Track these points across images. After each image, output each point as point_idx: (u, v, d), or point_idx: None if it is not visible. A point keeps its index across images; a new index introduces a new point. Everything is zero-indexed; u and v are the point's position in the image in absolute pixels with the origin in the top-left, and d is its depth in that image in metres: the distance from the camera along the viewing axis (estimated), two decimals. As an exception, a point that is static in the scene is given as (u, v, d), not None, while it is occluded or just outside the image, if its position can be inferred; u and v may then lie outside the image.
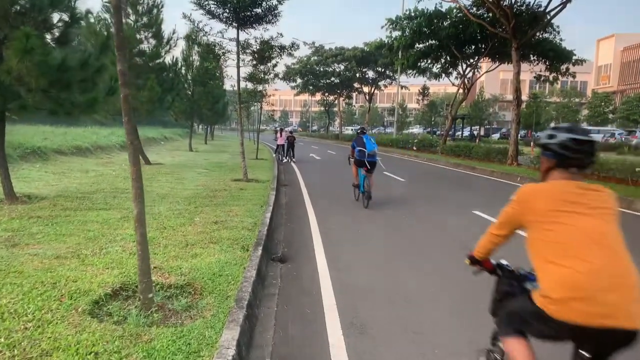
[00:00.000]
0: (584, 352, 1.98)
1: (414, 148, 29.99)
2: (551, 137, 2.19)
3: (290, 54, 13.68)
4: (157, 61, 16.19)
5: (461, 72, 29.38)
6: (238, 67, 12.78)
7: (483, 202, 11.11)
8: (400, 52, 27.08)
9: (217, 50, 12.47)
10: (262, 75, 15.02)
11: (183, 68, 25.81)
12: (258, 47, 12.94)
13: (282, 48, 13.40)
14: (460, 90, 28.21)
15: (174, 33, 16.20)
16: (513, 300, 2.36)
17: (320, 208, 10.00)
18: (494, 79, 63.60)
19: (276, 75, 21.84)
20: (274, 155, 24.63)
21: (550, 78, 24.42)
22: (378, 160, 10.41)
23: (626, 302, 1.82)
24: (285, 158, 23.58)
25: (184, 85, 25.26)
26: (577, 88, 59.23)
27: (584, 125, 53.31)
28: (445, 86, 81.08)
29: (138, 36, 15.51)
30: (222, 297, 4.30)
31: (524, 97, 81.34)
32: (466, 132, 50.78)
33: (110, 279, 4.60)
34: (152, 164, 17.16)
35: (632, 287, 1.85)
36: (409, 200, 11.47)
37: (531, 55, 25.28)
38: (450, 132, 32.61)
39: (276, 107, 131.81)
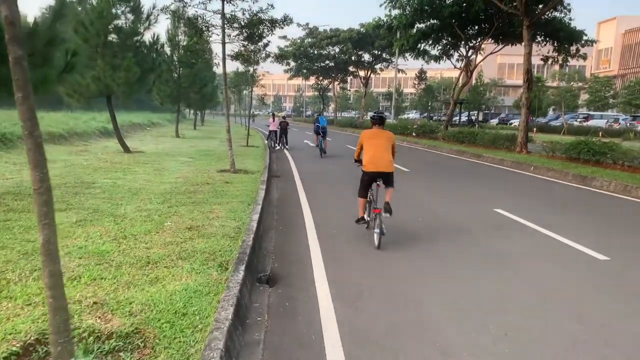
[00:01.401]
0: (377, 182, 6.37)
1: (414, 134, 28.63)
2: (371, 116, 6.73)
3: (281, 28, 12.22)
4: (136, 39, 14.61)
5: (463, 54, 27.95)
6: (223, 43, 11.32)
7: (503, 198, 9.80)
8: (399, 32, 25.54)
9: (199, 24, 10.97)
10: (252, 56, 13.53)
11: (168, 48, 24.22)
12: (246, 21, 11.45)
13: (273, 22, 11.93)
14: (462, 74, 26.74)
15: (154, 8, 14.61)
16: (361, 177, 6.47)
17: (317, 206, 8.65)
18: (491, 63, 62.04)
19: (268, 55, 20.41)
20: (266, 142, 23.20)
21: (560, 60, 22.99)
22: (327, 131, 18.90)
23: (383, 164, 6.18)
24: (278, 145, 22.16)
25: (168, 66, 23.65)
26: (575, 72, 57.93)
27: (585, 110, 52.13)
28: (441, 71, 79.60)
29: (114, 11, 13.93)
30: (181, 356, 2.97)
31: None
32: (464, 117, 49.38)
33: (25, 325, 3.26)
34: (132, 152, 15.70)
35: (385, 159, 6.18)
36: (419, 196, 10.15)
37: (538, 36, 23.87)
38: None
39: (269, 91, 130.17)
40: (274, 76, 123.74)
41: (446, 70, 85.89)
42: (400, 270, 5.27)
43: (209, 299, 3.87)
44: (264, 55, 20.08)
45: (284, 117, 22.69)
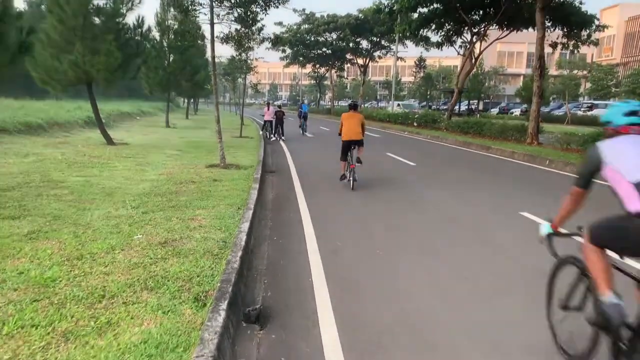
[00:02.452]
0: (353, 147, 9.29)
1: (415, 124, 27.53)
2: (348, 104, 10.38)
3: (276, 7, 11.05)
4: (118, 20, 13.38)
5: (466, 40, 26.76)
6: (212, 23, 10.15)
7: (526, 198, 8.75)
8: (400, 16, 24.32)
9: (184, 2, 9.79)
10: (245, 39, 12.38)
11: (157, 33, 22.93)
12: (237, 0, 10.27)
13: (268, 0, 10.76)
14: (467, 61, 25.55)
15: (138, -13, 13.34)
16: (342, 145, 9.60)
17: (317, 209, 7.58)
18: (490, 51, 60.67)
19: (263, 39, 19.21)
20: (261, 132, 22.07)
21: (570, 46, 21.85)
22: (308, 116, 24.39)
23: (355, 134, 9.27)
24: (274, 136, 21.04)
25: (157, 52, 22.38)
26: (570, 60, 56.60)
27: (587, 99, 51.04)
28: (439, 58, 78.23)
29: (93, -11, 12.69)
30: None
31: (525, 69, 78.63)
32: (463, 107, 48.21)
33: None
34: (116, 144, 14.55)
35: (356, 131, 9.29)
36: (432, 197, 9.08)
37: (547, 21, 22.72)
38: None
39: (264, 79, 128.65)
40: (269, 64, 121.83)
41: (445, 58, 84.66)
42: (416, 282, 4.22)
43: (175, 357, 2.81)
44: (258, 39, 19.02)
45: (279, 107, 21.52)
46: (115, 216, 5.98)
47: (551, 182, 10.79)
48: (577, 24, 21.02)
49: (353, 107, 9.85)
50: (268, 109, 20.98)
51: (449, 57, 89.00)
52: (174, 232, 5.34)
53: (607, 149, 2.69)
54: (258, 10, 11.01)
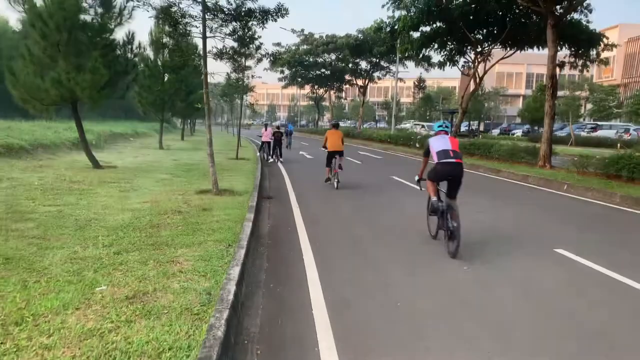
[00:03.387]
0: (335, 157, 11.94)
1: (417, 145, 26.67)
2: (331, 123, 14.58)
3: (275, 21, 10.22)
4: (105, 36, 12.57)
5: (469, 59, 26.16)
6: (204, 37, 9.31)
7: (556, 230, 7.80)
8: (401, 35, 23.68)
9: (174, 13, 8.96)
10: (239, 54, 11.57)
11: (151, 52, 22.23)
12: (231, 12, 9.44)
13: (264, 13, 9.94)
14: (471, 81, 24.83)
15: (128, 1, 12.56)
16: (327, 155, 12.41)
17: (322, 243, 6.60)
18: (489, 72, 60.48)
19: (261, 57, 18.48)
20: (258, 154, 21.17)
21: (579, 65, 21.17)
22: (293, 133, 31.38)
23: (337, 146, 12.03)
24: (271, 157, 20.14)
25: (152, 71, 21.61)
26: (574, 80, 56.22)
27: (588, 120, 50.42)
28: (438, 80, 78.05)
29: (78, 2, 11.89)
30: None
31: (524, 90, 78.45)
32: (463, 127, 47.53)
33: None
34: (104, 167, 13.60)
35: (338, 144, 12.04)
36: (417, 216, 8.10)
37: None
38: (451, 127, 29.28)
39: (262, 100, 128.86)
40: (267, 85, 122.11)
41: (444, 79, 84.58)
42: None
43: None
44: (255, 57, 18.26)
45: (277, 127, 20.67)
46: (81, 258, 4.99)
47: (577, 211, 9.82)
48: (585, 43, 20.35)
49: (335, 126, 12.95)
50: (266, 130, 20.13)
51: (447, 78, 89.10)
52: (148, 281, 4.34)
53: (431, 140, 6.50)
54: (255, 23, 10.20)
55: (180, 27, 8.98)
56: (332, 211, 9.22)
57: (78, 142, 18.54)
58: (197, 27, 9.33)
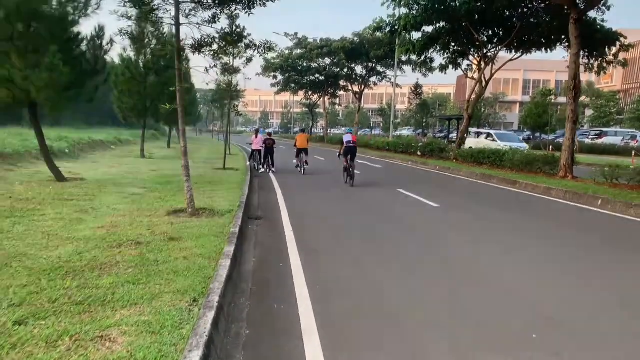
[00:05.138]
0: (302, 153, 17.16)
1: (419, 153, 25.09)
2: (299, 129, 24.06)
3: (264, 5, 8.57)
4: (67, 29, 10.81)
5: (472, 62, 24.64)
6: (177, 23, 7.62)
7: (615, 264, 6.15)
8: (400, 36, 22.14)
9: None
10: (224, 48, 9.91)
11: (132, 52, 20.50)
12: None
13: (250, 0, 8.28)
14: (477, 85, 23.26)
15: (94, -12, 10.81)
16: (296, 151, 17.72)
17: (326, 289, 4.89)
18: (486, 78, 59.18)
19: (251, 57, 16.87)
20: (248, 163, 19.45)
21: (595, 67, 19.66)
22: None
23: (303, 145, 17.31)
24: (262, 167, 18.42)
25: (132, 73, 19.86)
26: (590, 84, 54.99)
27: (588, 127, 49.13)
28: (434, 86, 76.80)
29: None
30: None
31: (521, 97, 77.30)
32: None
33: None
34: (69, 179, 11.82)
35: (304, 143, 17.40)
36: (476, 257, 6.45)
37: (561, 40, 20.69)
38: (445, 135, 27.72)
39: (255, 107, 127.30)
40: (260, 92, 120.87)
41: (440, 85, 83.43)
42: None
43: None
44: (245, 57, 16.62)
45: (269, 134, 19.00)
46: (-41, 332, 3.25)
47: (627, 234, 8.19)
48: (600, 43, 18.84)
49: (302, 130, 20.14)
50: (256, 137, 18.43)
51: (442, 85, 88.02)
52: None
53: (344, 136, 14.16)
54: (240, 8, 8.52)
55: (146, 9, 7.25)
56: (336, 239, 7.50)
57: (49, 151, 16.77)
58: (168, 11, 7.63)
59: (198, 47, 8.52)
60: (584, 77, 63.20)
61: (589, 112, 51.70)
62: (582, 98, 44.55)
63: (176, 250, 5.58)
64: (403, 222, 8.86)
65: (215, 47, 9.10)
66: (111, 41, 12.35)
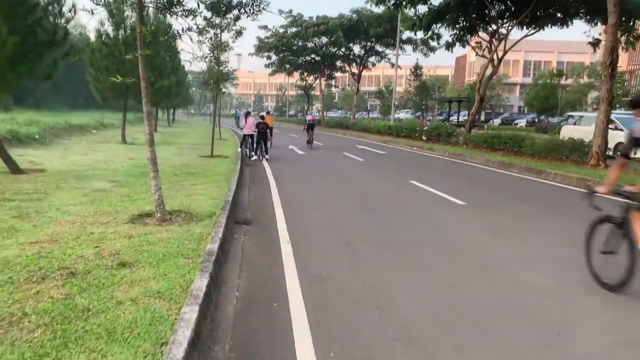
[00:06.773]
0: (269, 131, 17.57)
1: (424, 138, 23.37)
2: (266, 112, 24.06)
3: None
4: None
5: (481, 39, 22.82)
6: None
7: None
8: (406, 7, 20.27)
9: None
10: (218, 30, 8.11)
11: (111, 28, 18.52)
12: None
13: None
14: (489, 64, 21.45)
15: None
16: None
17: (340, 341, 3.20)
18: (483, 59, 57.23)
19: (240, 30, 15.02)
20: (239, 149, 17.67)
21: (622, 42, 17.88)
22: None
23: (270, 124, 18.69)
24: (255, 154, 16.66)
25: (111, 49, 17.92)
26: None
27: (590, 110, 47.61)
28: (433, 68, 74.70)
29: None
30: None
31: (522, 78, 75.55)
32: (462, 117, 44.28)
33: None
34: (26, 171, 10.03)
35: (270, 123, 17.69)
36: (536, 286, 4.80)
37: (581, 14, 18.94)
38: (452, 118, 25.98)
39: (248, 90, 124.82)
40: (254, 74, 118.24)
41: (439, 67, 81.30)
42: None
43: None
44: (233, 33, 14.80)
45: (262, 117, 17.19)
46: None
47: None
48: (628, 14, 17.01)
49: (267, 113, 22.25)
50: (246, 121, 16.63)
51: (440, 67, 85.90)
52: None
53: (306, 116, 25.31)
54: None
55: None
56: (349, 255, 5.81)
57: (13, 137, 14.95)
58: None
59: (167, 5, 6.67)
60: (588, 57, 61.21)
61: (594, 94, 50.03)
62: (586, 79, 42.86)
63: (124, 286, 3.86)
64: (427, 225, 7.18)
65: (190, 6, 7.24)
66: (73, 7, 10.46)
